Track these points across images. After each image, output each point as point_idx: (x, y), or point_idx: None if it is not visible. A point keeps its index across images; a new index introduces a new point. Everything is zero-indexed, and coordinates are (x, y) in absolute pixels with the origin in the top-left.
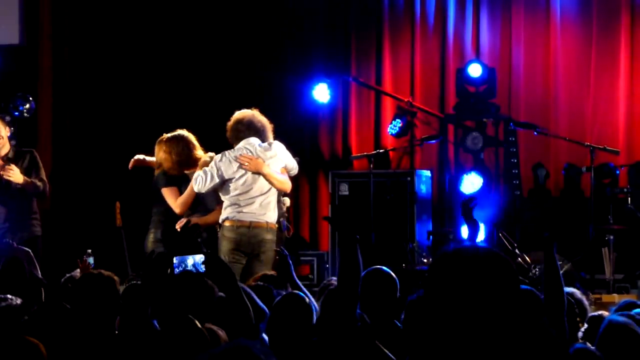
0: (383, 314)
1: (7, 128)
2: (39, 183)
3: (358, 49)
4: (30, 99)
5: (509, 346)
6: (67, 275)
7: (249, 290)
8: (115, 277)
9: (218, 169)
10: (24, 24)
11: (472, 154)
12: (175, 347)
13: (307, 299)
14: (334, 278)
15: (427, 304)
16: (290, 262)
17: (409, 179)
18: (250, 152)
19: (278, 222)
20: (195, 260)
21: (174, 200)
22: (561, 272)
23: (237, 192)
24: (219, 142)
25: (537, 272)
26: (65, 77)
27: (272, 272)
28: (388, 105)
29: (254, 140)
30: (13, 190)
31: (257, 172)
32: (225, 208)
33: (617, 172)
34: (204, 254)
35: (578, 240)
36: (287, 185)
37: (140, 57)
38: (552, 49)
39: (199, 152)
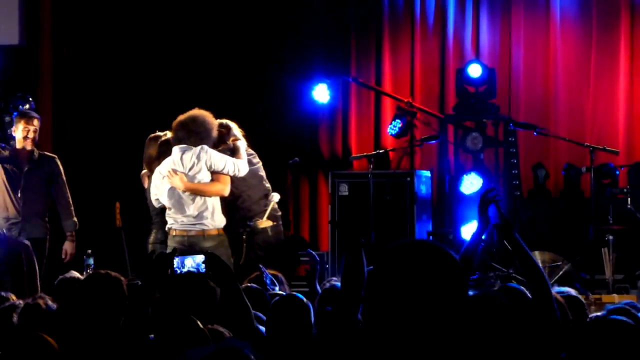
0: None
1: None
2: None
3: (358, 49)
4: (30, 99)
5: (450, 342)
6: (60, 277)
7: None
8: (123, 278)
9: (156, 186)
10: (24, 24)
11: (471, 154)
12: (177, 348)
13: (304, 300)
14: (334, 278)
15: (371, 299)
16: (318, 267)
17: (408, 179)
18: (172, 165)
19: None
20: (195, 260)
21: None
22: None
23: (172, 201)
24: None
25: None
26: (65, 78)
27: (275, 272)
28: (388, 106)
29: (176, 151)
30: (37, 188)
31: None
32: (166, 216)
33: (617, 172)
34: (204, 255)
35: (578, 240)
36: (219, 190)
37: (140, 57)
38: (551, 50)
39: None
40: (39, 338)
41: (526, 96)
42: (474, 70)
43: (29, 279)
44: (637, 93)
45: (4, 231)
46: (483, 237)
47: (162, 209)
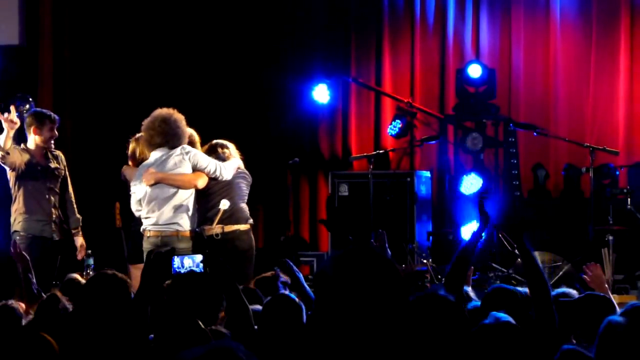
0: None
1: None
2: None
3: (358, 49)
4: (30, 99)
5: (391, 344)
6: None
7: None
8: (129, 280)
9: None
10: (24, 24)
11: (471, 154)
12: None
13: (296, 300)
14: None
15: (317, 308)
16: (300, 276)
17: (408, 179)
18: (147, 165)
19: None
20: (194, 260)
21: None
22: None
23: (146, 201)
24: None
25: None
26: (66, 78)
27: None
28: (388, 106)
29: (154, 154)
30: (57, 186)
31: (153, 182)
32: (142, 217)
33: (617, 172)
34: (202, 254)
35: (578, 241)
36: (190, 179)
37: (140, 58)
38: (551, 50)
39: None
40: (39, 337)
41: (526, 96)
42: (474, 71)
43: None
44: (637, 93)
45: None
46: (483, 235)
47: None
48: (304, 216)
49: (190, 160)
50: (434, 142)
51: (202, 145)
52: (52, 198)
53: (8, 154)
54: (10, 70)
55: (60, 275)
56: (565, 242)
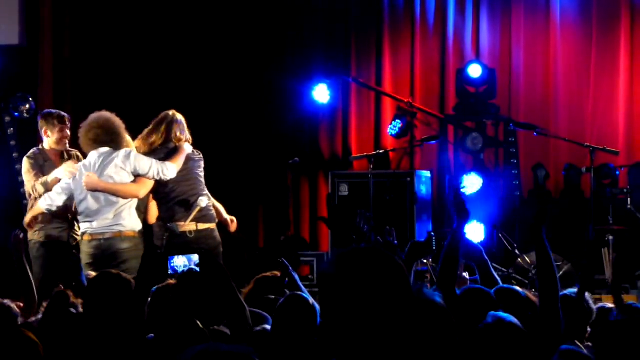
0: None
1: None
2: None
3: (358, 49)
4: (30, 99)
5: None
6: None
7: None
8: (133, 281)
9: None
10: (25, 24)
11: (472, 154)
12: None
13: (310, 300)
14: None
15: (322, 307)
16: (295, 275)
17: (408, 179)
18: (87, 167)
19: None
20: (191, 260)
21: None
22: (561, 272)
23: (87, 204)
24: (220, 142)
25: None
26: (66, 78)
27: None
28: (388, 106)
29: (93, 155)
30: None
31: (94, 190)
32: (80, 222)
33: (617, 172)
34: (198, 254)
35: (578, 240)
36: (134, 191)
37: (141, 58)
38: (552, 50)
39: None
40: (22, 336)
41: (526, 96)
42: (474, 71)
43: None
44: (637, 93)
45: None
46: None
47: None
48: (304, 216)
49: (131, 164)
50: (434, 142)
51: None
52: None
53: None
54: (10, 70)
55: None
56: (566, 242)
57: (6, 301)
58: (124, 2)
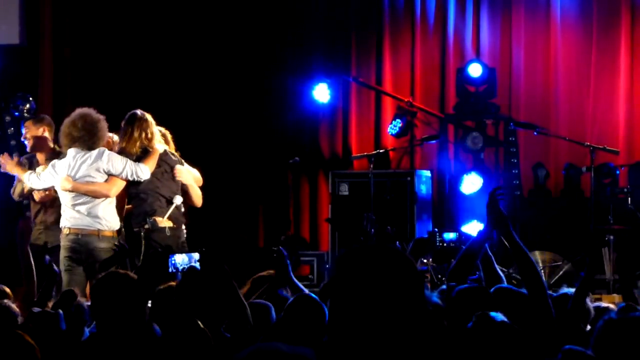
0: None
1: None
2: None
3: (358, 48)
4: (31, 98)
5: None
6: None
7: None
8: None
9: (52, 176)
10: (25, 24)
11: (472, 154)
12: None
13: (317, 300)
14: None
15: (332, 302)
16: (288, 262)
17: (409, 179)
18: (63, 166)
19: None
20: (192, 259)
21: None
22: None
23: (68, 199)
24: (220, 141)
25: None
26: (66, 77)
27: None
28: (388, 105)
29: (70, 153)
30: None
31: (70, 191)
32: (62, 215)
33: (617, 172)
34: (199, 253)
35: (578, 240)
36: (105, 191)
37: (141, 57)
38: (552, 49)
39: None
40: (17, 336)
41: (526, 96)
42: (475, 70)
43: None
44: (637, 92)
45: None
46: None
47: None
48: (305, 216)
49: (105, 165)
50: (434, 141)
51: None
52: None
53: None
54: (10, 70)
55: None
56: (566, 241)
57: (5, 301)
58: (125, 2)
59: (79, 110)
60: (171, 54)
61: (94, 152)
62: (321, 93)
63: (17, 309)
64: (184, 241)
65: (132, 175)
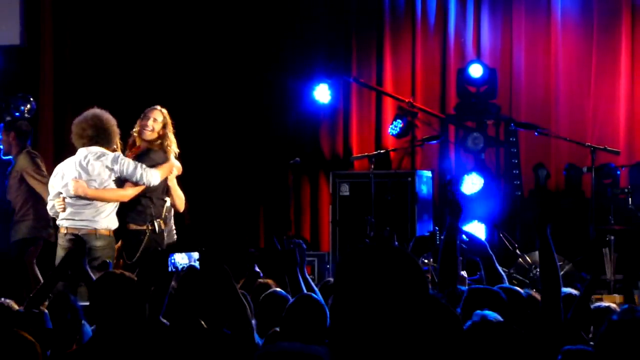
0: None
1: None
2: None
3: (359, 49)
4: (31, 99)
5: (415, 346)
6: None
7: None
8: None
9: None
10: (25, 24)
11: (472, 154)
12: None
13: (319, 300)
14: (331, 279)
15: (336, 302)
16: (298, 256)
17: (409, 179)
18: (74, 166)
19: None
20: (191, 258)
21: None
22: (562, 272)
23: (69, 201)
24: (221, 142)
25: (537, 273)
26: (67, 78)
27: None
28: (389, 106)
29: (81, 152)
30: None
31: (82, 196)
32: (60, 214)
33: (618, 172)
34: (199, 252)
35: (579, 240)
36: (120, 197)
37: (141, 58)
38: (553, 50)
39: None
40: (19, 337)
41: (527, 96)
42: (475, 70)
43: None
44: (638, 93)
45: None
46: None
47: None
48: (305, 216)
49: (118, 168)
50: (435, 142)
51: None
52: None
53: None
54: (11, 71)
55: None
56: (566, 242)
57: (3, 299)
58: (125, 2)
59: (89, 110)
60: (172, 54)
61: (110, 155)
62: (322, 93)
63: (16, 307)
64: (175, 242)
65: (141, 180)
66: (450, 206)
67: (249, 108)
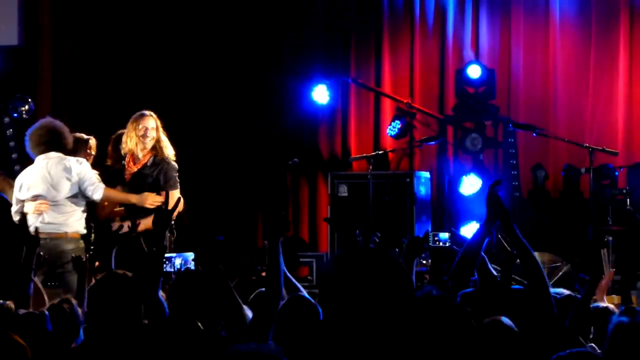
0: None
1: None
2: None
3: (357, 50)
4: (30, 100)
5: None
6: None
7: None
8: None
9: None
10: (23, 25)
11: (471, 155)
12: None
13: (312, 300)
14: None
15: (323, 305)
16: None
17: (408, 180)
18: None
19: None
20: (186, 259)
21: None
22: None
23: (33, 203)
24: (219, 142)
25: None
26: (65, 79)
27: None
28: (387, 107)
29: (42, 161)
30: None
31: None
32: (29, 219)
33: (616, 173)
34: (194, 252)
35: (577, 241)
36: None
37: (139, 58)
38: (551, 50)
39: None
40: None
41: (525, 97)
42: (474, 71)
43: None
44: (636, 94)
45: None
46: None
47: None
48: (304, 217)
49: (78, 172)
50: (433, 142)
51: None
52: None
53: None
54: (9, 71)
55: None
56: (565, 242)
57: (3, 302)
58: (123, 2)
59: (44, 119)
60: (170, 55)
61: (72, 159)
62: (320, 94)
63: (11, 305)
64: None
65: (89, 193)
66: (497, 209)
67: (247, 108)
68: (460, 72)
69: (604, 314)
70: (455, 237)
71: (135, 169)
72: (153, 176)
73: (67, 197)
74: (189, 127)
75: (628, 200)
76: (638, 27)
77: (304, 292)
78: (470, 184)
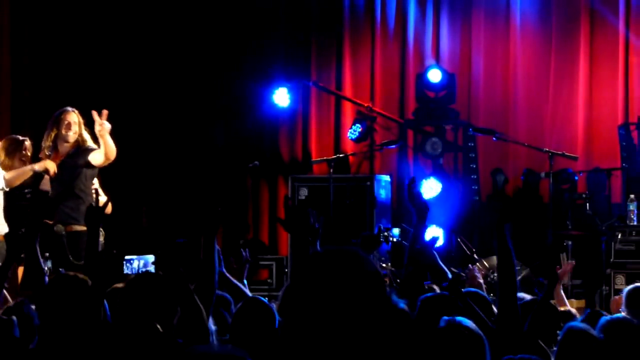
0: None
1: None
2: None
3: (318, 53)
4: None
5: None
6: None
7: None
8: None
9: None
10: None
11: (431, 159)
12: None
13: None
14: None
15: (289, 308)
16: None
17: (368, 183)
18: None
19: None
20: (147, 262)
21: None
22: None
23: None
24: (179, 145)
25: (495, 277)
26: (25, 86)
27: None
28: (348, 110)
29: None
30: None
31: None
32: None
33: (576, 177)
34: (154, 255)
35: (536, 245)
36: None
37: (100, 63)
38: (511, 55)
39: None
40: None
41: (486, 101)
42: (434, 75)
43: None
44: (596, 99)
45: None
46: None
47: None
48: (264, 220)
49: None
50: (393, 146)
51: None
52: None
53: None
54: None
55: None
56: (524, 246)
57: None
58: (83, 9)
59: None
60: (131, 59)
61: None
62: (281, 97)
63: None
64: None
65: None
66: (416, 207)
67: (207, 111)
68: (421, 76)
69: (566, 319)
70: (406, 232)
71: (58, 161)
72: (77, 163)
73: None
74: (149, 130)
75: (587, 204)
76: (598, 32)
77: (247, 290)
78: (430, 188)
